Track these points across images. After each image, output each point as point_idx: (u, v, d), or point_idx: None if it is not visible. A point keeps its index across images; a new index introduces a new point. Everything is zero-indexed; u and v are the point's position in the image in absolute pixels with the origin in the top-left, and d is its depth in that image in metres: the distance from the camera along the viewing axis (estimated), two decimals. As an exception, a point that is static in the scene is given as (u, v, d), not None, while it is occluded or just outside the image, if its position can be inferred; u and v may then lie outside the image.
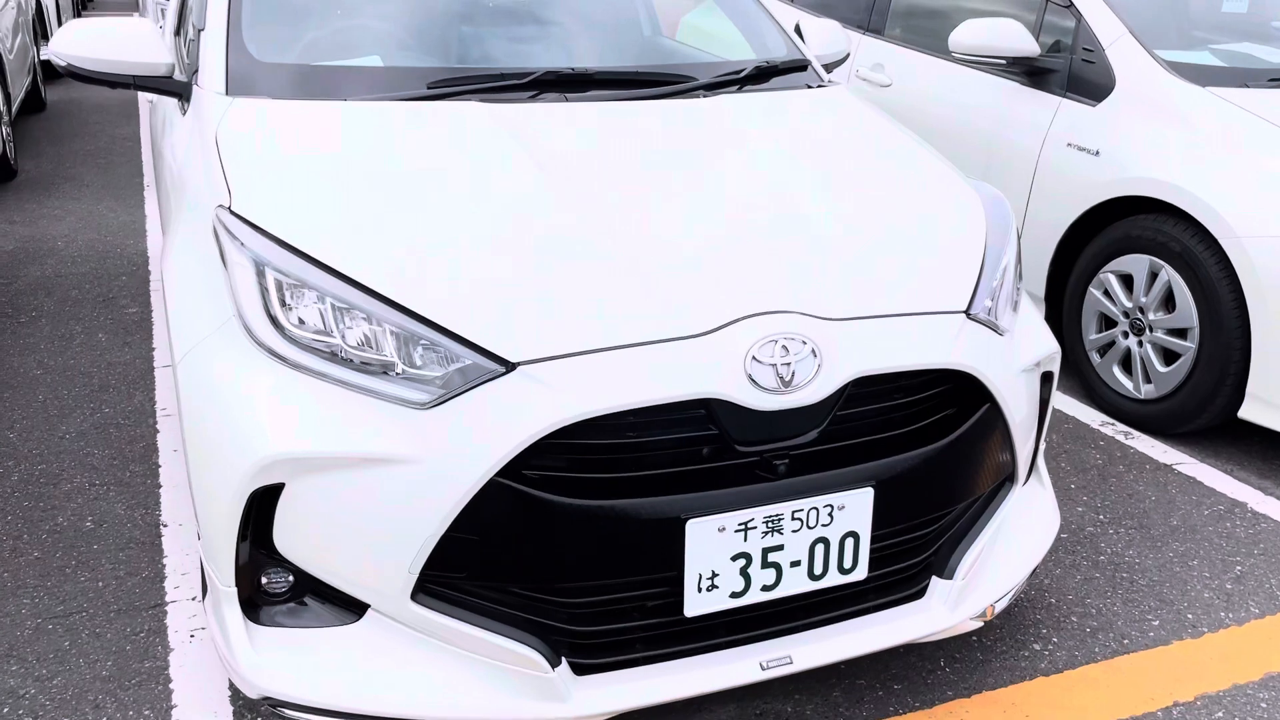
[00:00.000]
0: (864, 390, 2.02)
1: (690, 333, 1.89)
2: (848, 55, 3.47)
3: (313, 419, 1.84)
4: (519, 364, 1.82)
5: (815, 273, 2.06)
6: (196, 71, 2.66)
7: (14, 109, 7.09)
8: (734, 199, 2.23)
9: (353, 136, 2.32)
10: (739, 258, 2.05)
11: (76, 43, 2.62)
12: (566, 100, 2.59)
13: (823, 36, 3.35)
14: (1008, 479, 2.32)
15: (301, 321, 1.89)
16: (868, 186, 2.42)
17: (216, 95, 2.50)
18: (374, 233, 1.99)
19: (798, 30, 3.37)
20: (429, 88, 2.57)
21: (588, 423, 1.82)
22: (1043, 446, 2.55)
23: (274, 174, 2.18)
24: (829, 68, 3.40)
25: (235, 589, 1.92)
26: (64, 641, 2.41)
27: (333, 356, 1.86)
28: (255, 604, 1.96)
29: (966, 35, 3.91)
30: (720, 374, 1.87)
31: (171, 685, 2.28)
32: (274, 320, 1.90)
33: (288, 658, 1.91)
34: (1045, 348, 2.38)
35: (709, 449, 1.91)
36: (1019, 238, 2.52)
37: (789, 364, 1.90)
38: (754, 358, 1.88)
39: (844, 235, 2.19)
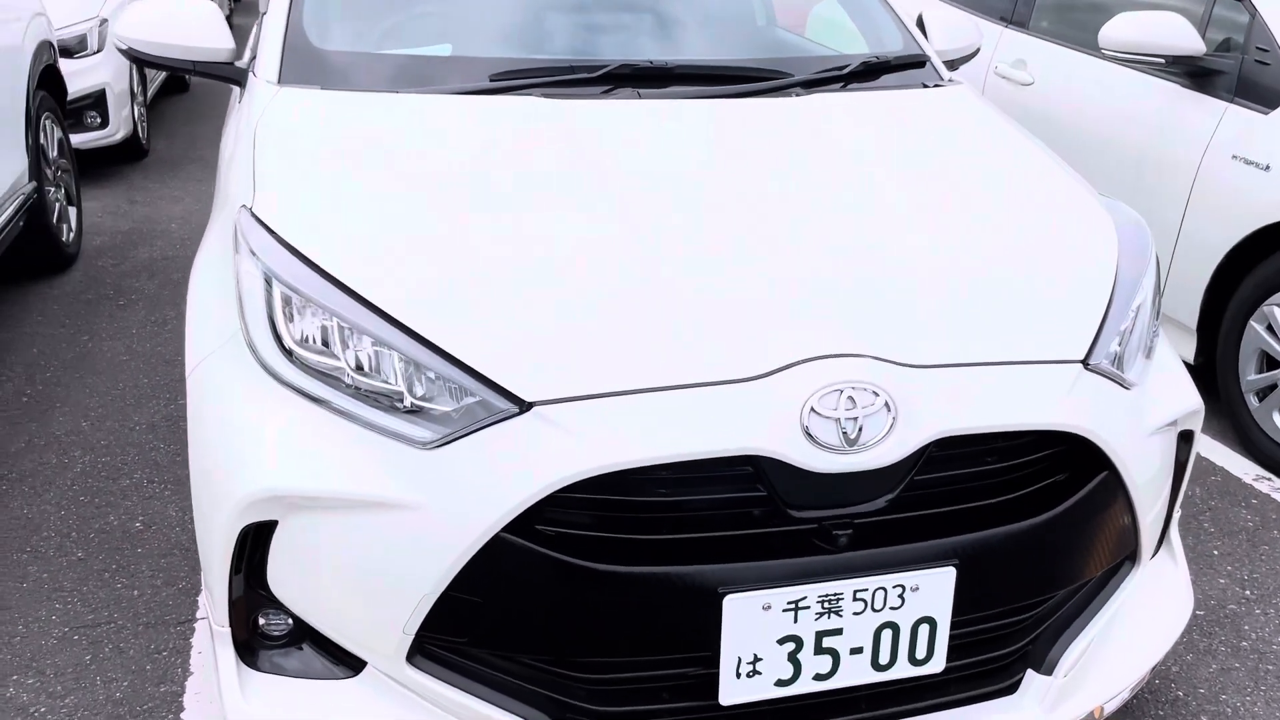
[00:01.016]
0: (950, 452, 1.70)
1: (738, 376, 1.61)
2: (977, 50, 3.10)
3: (310, 453, 1.64)
4: (534, 404, 1.57)
5: (899, 309, 1.75)
6: (255, 59, 2.51)
7: (150, 92, 7.25)
8: (813, 217, 1.94)
9: (396, 134, 2.12)
10: (809, 289, 1.75)
11: (139, 25, 2.51)
12: (640, 97, 2.33)
13: (948, 29, 2.99)
14: (1128, 558, 1.96)
15: (306, 340, 1.69)
16: (976, 204, 2.08)
17: (266, 84, 2.34)
18: (394, 245, 1.78)
19: (919, 22, 3.02)
20: (492, 80, 2.35)
21: (611, 476, 1.56)
22: (1177, 515, 2.17)
23: (303, 172, 1.99)
24: (955, 64, 3.04)
25: (229, 629, 1.75)
26: (85, 655, 2.30)
27: (336, 382, 1.66)
28: (252, 646, 1.78)
29: (1120, 30, 3.47)
30: (771, 427, 1.58)
31: (183, 716, 2.14)
32: (278, 337, 1.71)
33: (278, 708, 1.73)
34: (1185, 403, 2.01)
35: (756, 513, 1.63)
36: (1160, 266, 2.15)
37: (855, 418, 1.60)
38: (813, 409, 1.59)
39: (941, 264, 1.87)
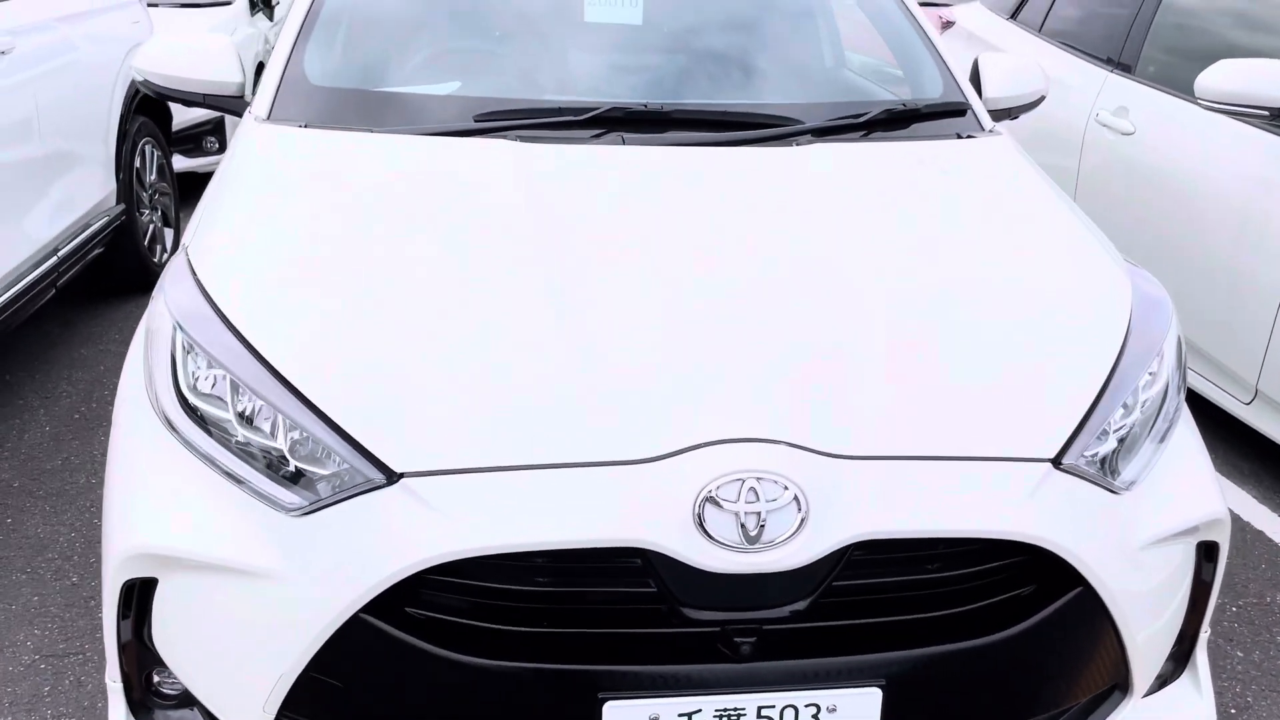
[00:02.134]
0: (883, 556, 1.50)
1: (629, 458, 1.45)
2: (1041, 98, 2.84)
3: (187, 512, 1.57)
4: (403, 475, 1.45)
5: (840, 391, 1.56)
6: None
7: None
8: (769, 284, 1.76)
9: (355, 177, 2.06)
10: (735, 364, 1.58)
11: (154, 58, 2.53)
12: (624, 143, 2.20)
13: (1007, 75, 2.74)
14: (1117, 687, 1.70)
15: (197, 389, 1.62)
16: (971, 272, 1.87)
17: (253, 120, 2.32)
18: (307, 298, 1.70)
19: (974, 67, 2.78)
20: (475, 120, 2.26)
21: (486, 560, 1.43)
22: (1204, 636, 1.88)
23: (248, 215, 1.95)
24: (1016, 112, 2.80)
25: (119, 684, 1.69)
26: (45, 686, 2.30)
27: (225, 436, 1.58)
28: (146, 704, 1.71)
29: (1217, 79, 3.14)
30: (660, 517, 1.42)
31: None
32: (177, 385, 1.65)
33: (158, 774, 1.65)
34: (1201, 510, 1.74)
35: (645, 610, 1.47)
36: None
37: (758, 513, 1.42)
38: (710, 499, 1.42)
39: (905, 340, 1.67)
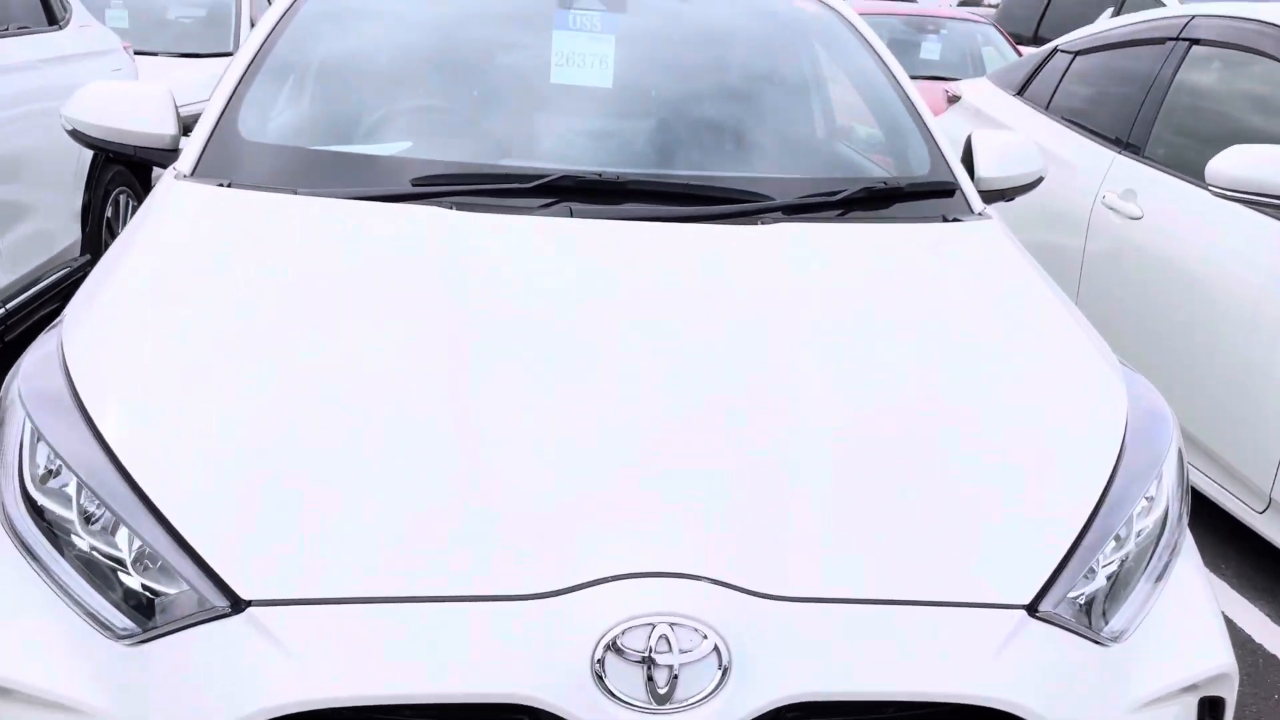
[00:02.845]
0: (825, 717, 1.26)
1: (518, 592, 1.23)
2: (1039, 179, 2.64)
3: (18, 628, 1.34)
4: (251, 603, 1.23)
5: (775, 516, 1.33)
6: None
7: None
8: (706, 390, 1.54)
9: (264, 248, 1.85)
10: (653, 486, 1.36)
11: (86, 106, 2.35)
12: (572, 215, 2.00)
13: (1002, 154, 2.55)
14: None
15: (43, 482, 1.41)
16: (940, 378, 1.65)
17: (172, 176, 2.13)
18: (176, 394, 1.49)
19: (967, 145, 2.59)
20: (413, 184, 2.06)
21: (336, 711, 1.20)
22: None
23: (139, 285, 1.74)
24: (1011, 194, 2.60)
25: None
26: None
27: (66, 539, 1.36)
28: None
29: (1229, 165, 2.94)
30: (551, 667, 1.19)
31: None
32: (22, 475, 1.44)
33: None
34: (1207, 664, 1.49)
35: None
36: (1185, 465, 1.66)
37: (671, 666, 1.19)
38: (612, 647, 1.19)
39: (858, 460, 1.44)
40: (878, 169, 2.59)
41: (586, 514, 1.30)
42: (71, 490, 1.37)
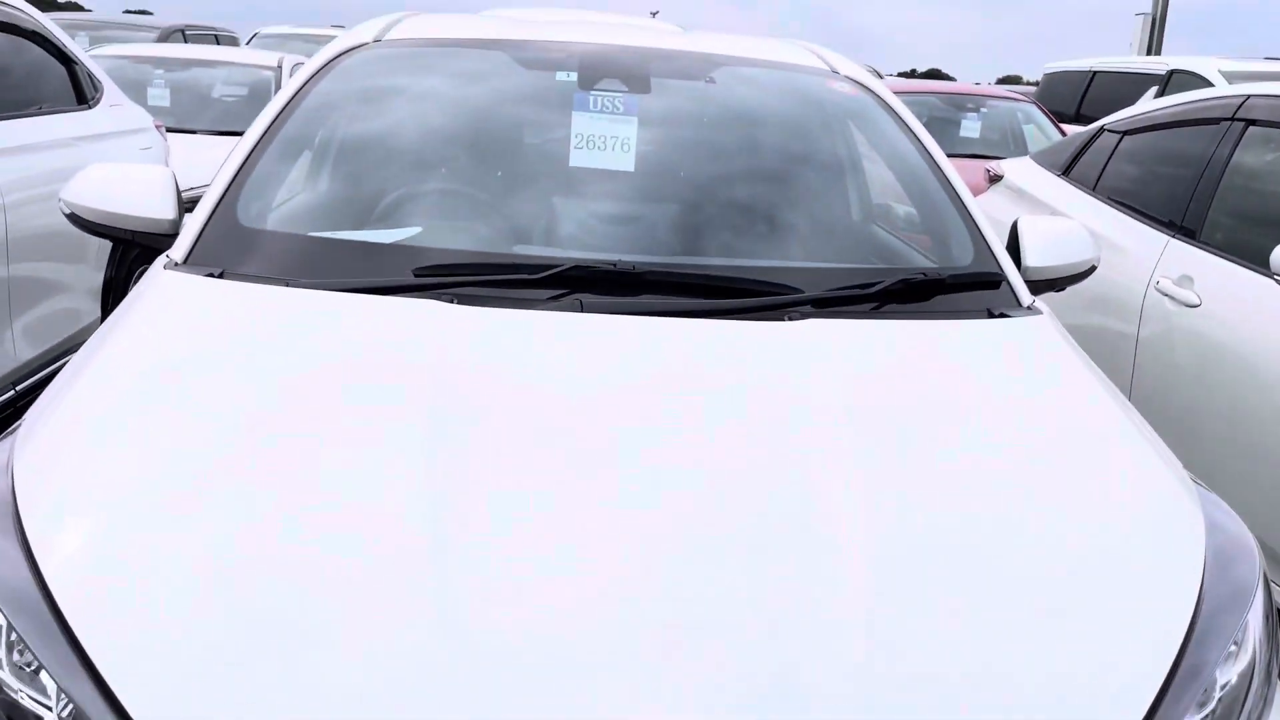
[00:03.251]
0: None
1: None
2: (1092, 268, 2.47)
3: None
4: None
5: (795, 673, 1.15)
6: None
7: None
8: (724, 521, 1.36)
9: (245, 348, 1.70)
10: (679, 631, 1.18)
11: (83, 190, 2.25)
12: (582, 309, 1.84)
13: (1047, 241, 2.38)
14: None
15: None
16: (993, 502, 1.46)
17: (163, 264, 2.02)
18: (130, 517, 1.34)
19: (1013, 232, 2.42)
20: (415, 274, 1.92)
21: None
22: None
23: (105, 389, 1.61)
24: (1060, 284, 2.42)
25: None
26: None
27: None
28: None
29: (1296, 252, 2.75)
30: None
31: None
32: None
33: None
34: None
35: None
36: (1274, 605, 1.45)
37: None
38: None
39: (892, 601, 1.26)
40: (918, 254, 2.42)
41: (572, 671, 1.12)
42: (1, 629, 1.22)
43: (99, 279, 4.13)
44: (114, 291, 4.21)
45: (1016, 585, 1.32)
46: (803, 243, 2.31)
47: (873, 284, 1.99)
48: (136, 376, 1.63)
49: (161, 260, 2.05)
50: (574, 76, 2.50)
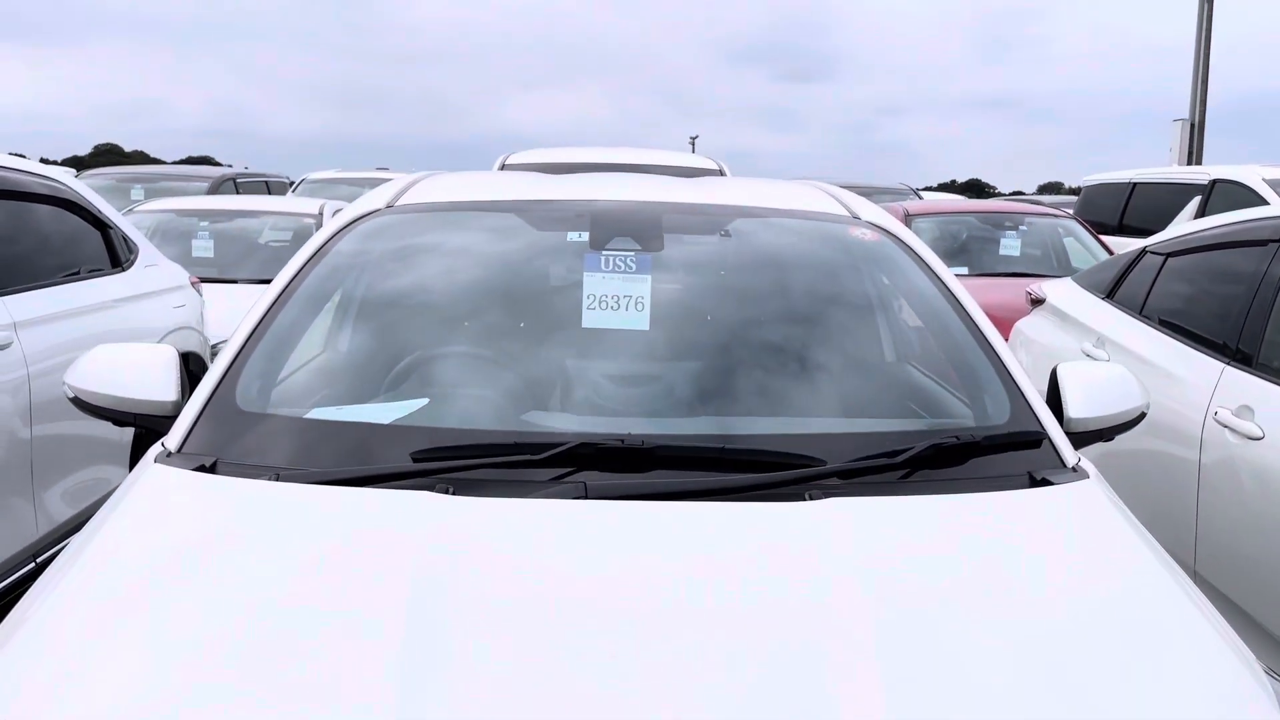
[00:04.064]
0: None
1: None
2: (1141, 415, 2.31)
3: None
4: None
5: None
6: (181, 418, 2.13)
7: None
8: None
9: (217, 560, 1.58)
10: None
11: (86, 372, 2.21)
12: (586, 496, 1.72)
13: (1091, 390, 2.23)
14: None
15: None
16: (1053, 707, 1.29)
17: (155, 454, 1.94)
18: None
19: (1053, 380, 2.28)
20: (414, 459, 1.83)
21: None
22: None
23: (73, 606, 1.51)
24: (1108, 434, 2.27)
25: None
26: None
27: None
28: None
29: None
30: None
31: None
32: None
33: None
34: None
35: None
36: None
37: None
38: None
39: None
40: (955, 398, 2.28)
41: None
42: None
43: (126, 443, 4.11)
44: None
45: None
46: (830, 397, 2.18)
47: (900, 451, 1.85)
48: (112, 584, 1.53)
49: (155, 450, 1.97)
50: (585, 237, 2.44)
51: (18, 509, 3.37)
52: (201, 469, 1.84)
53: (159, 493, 1.79)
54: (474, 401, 2.14)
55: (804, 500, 1.71)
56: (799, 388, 2.17)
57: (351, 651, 1.34)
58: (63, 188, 4.11)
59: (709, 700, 1.27)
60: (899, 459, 1.83)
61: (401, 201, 2.63)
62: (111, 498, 1.85)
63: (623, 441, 1.83)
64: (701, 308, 2.37)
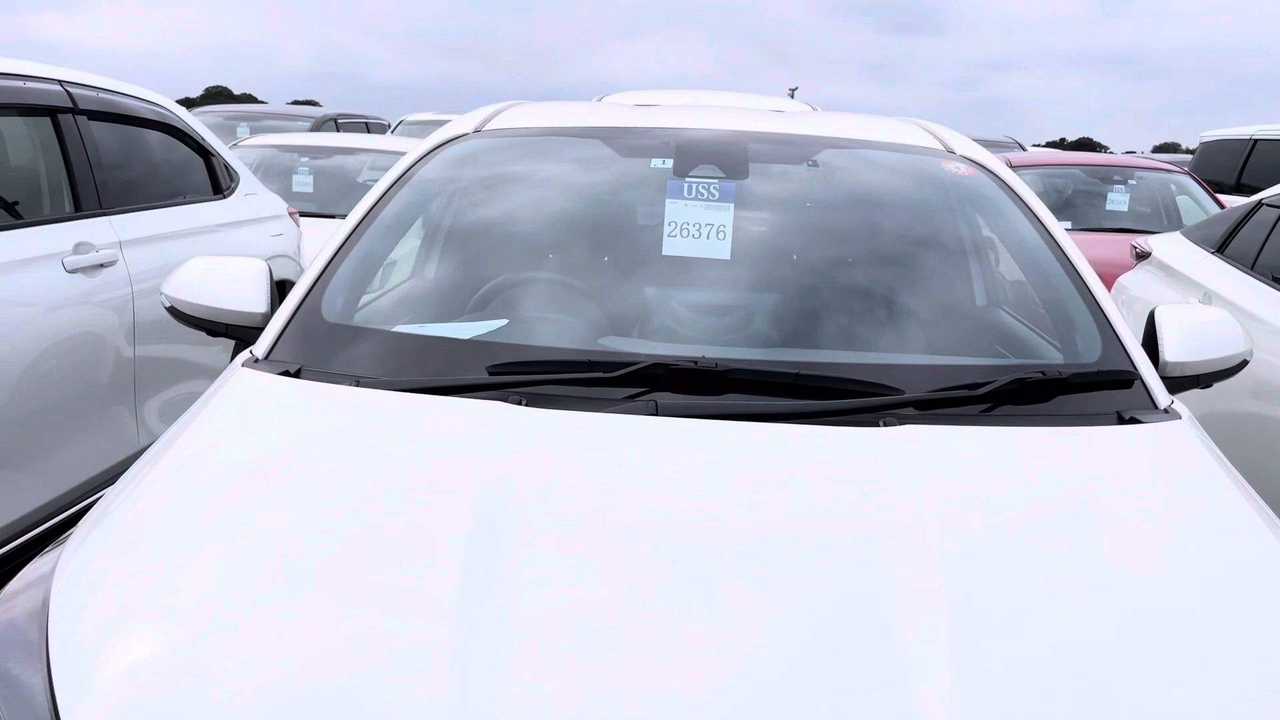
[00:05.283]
0: None
1: None
2: (1244, 362, 2.21)
3: None
4: None
5: None
6: (269, 327, 2.19)
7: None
8: (815, 658, 1.21)
9: (297, 456, 1.63)
10: None
11: (182, 283, 2.28)
12: (658, 412, 1.72)
13: (1189, 334, 2.14)
14: None
15: None
16: (1119, 645, 1.26)
17: (242, 361, 2.00)
18: (156, 640, 1.28)
19: (1150, 323, 2.19)
20: (490, 373, 1.85)
21: None
22: None
23: (151, 501, 1.57)
24: (1206, 380, 2.18)
25: None
26: None
27: None
28: None
29: None
30: None
31: None
32: None
33: None
34: None
35: None
36: None
37: None
38: None
39: None
40: (1047, 343, 2.22)
41: None
42: None
43: (223, 365, 4.24)
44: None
45: None
46: (911, 334, 2.13)
47: (981, 384, 1.80)
48: (194, 481, 1.59)
49: (243, 356, 2.03)
50: (669, 164, 2.41)
51: (121, 420, 3.51)
52: (286, 374, 1.88)
53: (244, 395, 1.84)
54: (552, 325, 2.15)
55: (878, 427, 1.68)
56: (880, 322, 2.13)
57: (417, 555, 1.37)
58: (169, 114, 4.23)
59: (766, 620, 1.27)
60: (979, 391, 1.79)
61: (489, 127, 2.63)
62: (200, 399, 1.92)
63: (696, 363, 1.81)
64: (784, 239, 2.34)
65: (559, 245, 2.36)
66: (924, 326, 2.14)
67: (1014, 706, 1.16)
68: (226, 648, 1.24)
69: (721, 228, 2.24)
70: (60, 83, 3.50)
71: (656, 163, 2.45)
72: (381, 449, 1.63)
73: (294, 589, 1.32)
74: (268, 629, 1.26)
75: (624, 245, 2.34)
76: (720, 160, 2.41)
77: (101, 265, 3.38)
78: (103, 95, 3.73)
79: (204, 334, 2.29)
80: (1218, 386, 3.47)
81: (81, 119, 3.53)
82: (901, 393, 1.79)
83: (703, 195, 2.28)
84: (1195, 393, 3.68)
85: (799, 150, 2.52)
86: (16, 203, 3.27)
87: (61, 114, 3.43)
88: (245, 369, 1.94)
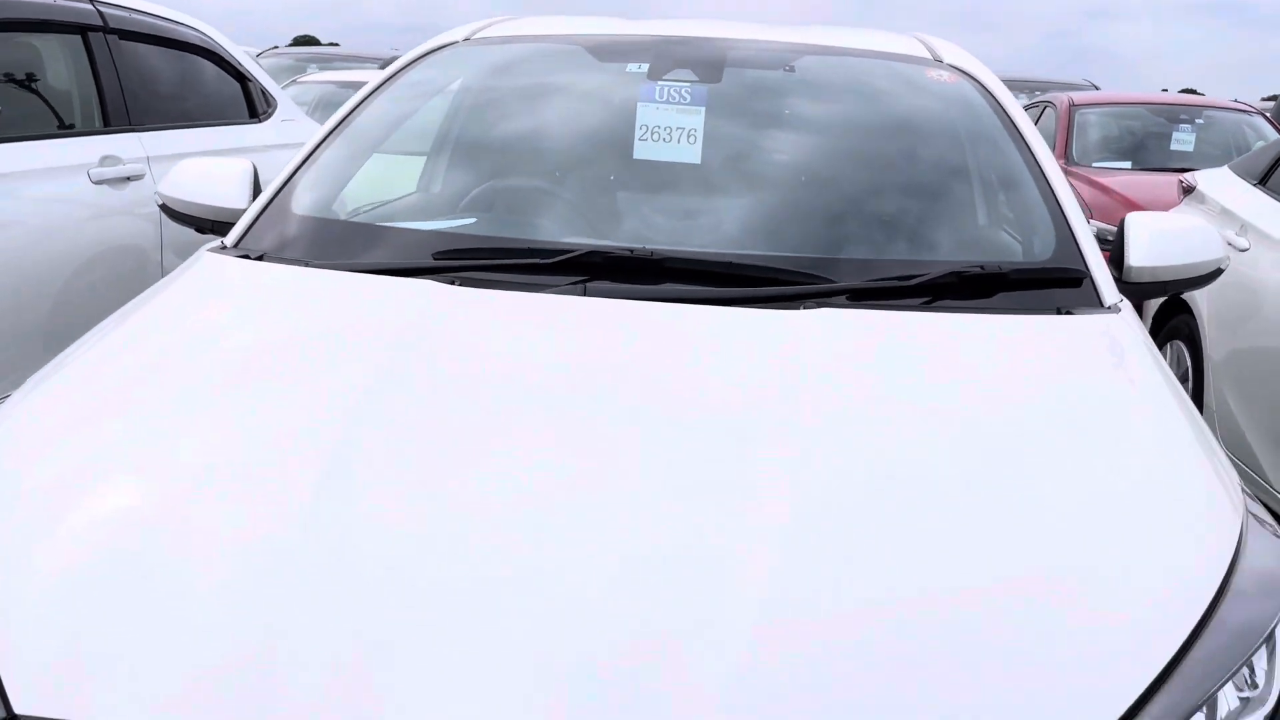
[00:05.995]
0: None
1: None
2: (1218, 271, 2.16)
3: None
4: (19, 718, 1.06)
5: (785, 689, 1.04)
6: (245, 220, 2.28)
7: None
8: (698, 517, 1.26)
9: (236, 324, 1.74)
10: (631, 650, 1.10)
11: (176, 181, 2.39)
12: (585, 294, 1.76)
13: (1158, 238, 2.09)
14: None
15: None
16: (1001, 510, 1.29)
17: (210, 248, 2.09)
18: (61, 473, 1.39)
19: (1120, 226, 2.15)
20: (434, 258, 1.91)
21: None
22: None
23: (94, 361, 1.67)
24: (1175, 286, 2.14)
25: None
26: None
27: None
28: None
29: None
30: None
31: None
32: None
33: None
34: None
35: None
36: None
37: None
38: None
39: (879, 604, 1.14)
40: (1010, 239, 2.21)
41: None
42: None
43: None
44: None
45: (1004, 594, 1.16)
46: (867, 233, 2.14)
47: (914, 276, 1.80)
48: (127, 348, 1.69)
49: (213, 244, 2.12)
50: (644, 68, 2.43)
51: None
52: (245, 258, 1.97)
53: (196, 275, 1.94)
54: (518, 224, 2.20)
55: (799, 310, 1.70)
56: (834, 221, 2.13)
57: (311, 402, 1.45)
58: (205, 38, 4.34)
59: (625, 475, 1.31)
60: (911, 283, 1.79)
61: (479, 35, 2.67)
62: (157, 284, 2.02)
63: (632, 252, 1.85)
64: (755, 143, 2.34)
65: (534, 150, 2.40)
66: (882, 227, 2.14)
67: (894, 542, 1.20)
68: (106, 473, 1.34)
69: (692, 131, 2.25)
70: (92, 1, 3.62)
71: (633, 67, 2.46)
72: (310, 318, 1.71)
73: (174, 453, 1.41)
74: (185, 461, 1.36)
75: (596, 149, 2.37)
76: (695, 65, 2.41)
77: (128, 178, 3.52)
78: (135, 16, 3.85)
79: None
80: (1252, 326, 3.38)
81: (113, 38, 3.65)
82: (833, 282, 1.80)
83: (674, 99, 2.29)
84: (1220, 329, 3.58)
85: (776, 56, 2.51)
86: (46, 116, 3.42)
87: (92, 32, 3.56)
88: (210, 254, 2.03)
